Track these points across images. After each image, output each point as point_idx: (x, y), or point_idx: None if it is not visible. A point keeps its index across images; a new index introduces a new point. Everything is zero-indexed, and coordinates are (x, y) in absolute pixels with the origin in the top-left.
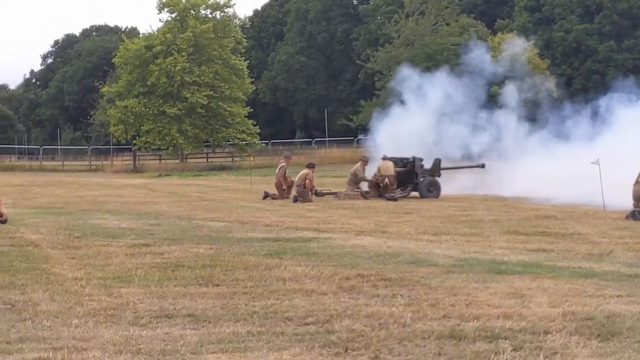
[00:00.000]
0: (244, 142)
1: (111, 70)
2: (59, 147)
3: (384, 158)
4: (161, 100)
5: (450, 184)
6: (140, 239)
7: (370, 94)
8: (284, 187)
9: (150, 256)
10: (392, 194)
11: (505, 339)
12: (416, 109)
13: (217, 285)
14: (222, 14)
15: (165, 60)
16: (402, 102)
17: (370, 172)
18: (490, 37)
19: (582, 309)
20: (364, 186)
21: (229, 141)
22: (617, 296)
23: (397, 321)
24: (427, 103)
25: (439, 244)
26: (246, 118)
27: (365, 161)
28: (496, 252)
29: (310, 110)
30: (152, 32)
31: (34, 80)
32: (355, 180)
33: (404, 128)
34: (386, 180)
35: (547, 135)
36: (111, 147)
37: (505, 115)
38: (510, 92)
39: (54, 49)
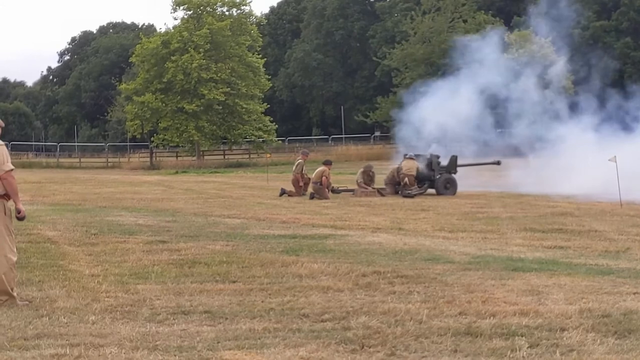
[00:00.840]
0: (261, 139)
1: (128, 67)
2: (76, 144)
3: (408, 157)
4: (179, 97)
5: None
6: (157, 235)
7: (386, 91)
8: (301, 183)
9: (167, 253)
10: (409, 191)
11: (522, 336)
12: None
13: (234, 282)
14: (239, 11)
15: (182, 58)
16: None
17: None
18: (507, 34)
19: (599, 306)
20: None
21: (245, 138)
22: (634, 293)
23: (413, 318)
24: (485, 78)
25: (456, 241)
26: (263, 115)
27: (368, 171)
28: (512, 249)
29: (326, 107)
30: (168, 29)
31: (51, 77)
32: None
33: (458, 104)
34: (406, 179)
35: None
36: (128, 144)
37: (558, 99)
38: (560, 70)
39: (70, 46)
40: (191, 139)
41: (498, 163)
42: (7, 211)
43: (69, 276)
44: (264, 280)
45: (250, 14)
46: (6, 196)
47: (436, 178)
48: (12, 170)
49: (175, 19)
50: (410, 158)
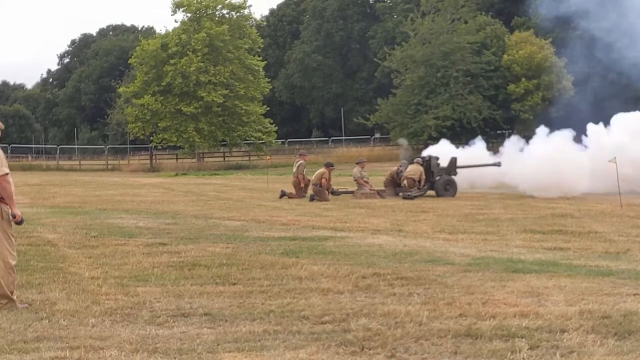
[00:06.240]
0: (261, 141)
1: (128, 70)
2: (76, 146)
3: (415, 161)
4: (177, 99)
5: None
6: (157, 238)
7: (386, 92)
8: (302, 184)
9: (167, 255)
10: (409, 193)
11: (522, 338)
12: None
13: (234, 284)
14: (238, 14)
15: (181, 61)
16: None
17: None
18: (507, 36)
19: (599, 308)
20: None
21: (245, 140)
22: (634, 294)
23: (413, 320)
24: None
25: (456, 242)
26: (262, 117)
27: (362, 164)
28: (512, 251)
29: (326, 109)
30: (167, 31)
31: (51, 79)
32: (360, 181)
33: None
34: (405, 182)
35: None
36: (128, 146)
37: None
38: None
39: (70, 48)
40: (191, 139)
41: (498, 165)
42: (4, 215)
43: (69, 279)
44: (264, 283)
45: (249, 16)
46: (4, 200)
47: (436, 180)
48: (7, 174)
49: (176, 21)
50: (417, 163)
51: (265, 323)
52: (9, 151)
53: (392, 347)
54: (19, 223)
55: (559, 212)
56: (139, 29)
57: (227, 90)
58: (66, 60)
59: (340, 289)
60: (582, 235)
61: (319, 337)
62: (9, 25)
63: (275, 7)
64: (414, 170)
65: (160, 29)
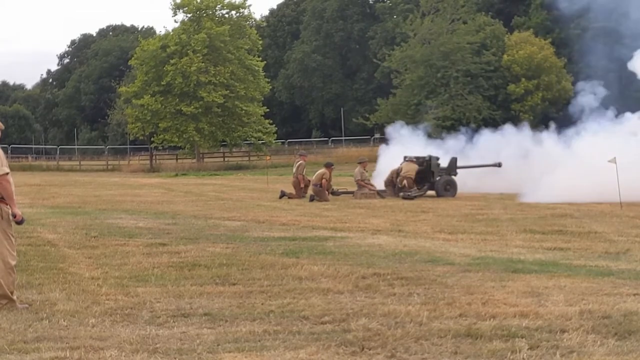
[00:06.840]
0: (261, 142)
1: (128, 70)
2: (76, 146)
3: (408, 159)
4: (177, 99)
5: None
6: (157, 238)
7: (386, 92)
8: (302, 185)
9: (167, 255)
10: (409, 193)
11: (522, 338)
12: None
13: (234, 285)
14: (238, 14)
15: (181, 61)
16: None
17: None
18: (507, 36)
19: (599, 308)
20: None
21: (245, 140)
22: (634, 294)
23: (413, 320)
24: None
25: (456, 242)
26: (262, 117)
27: (364, 163)
28: (512, 251)
29: (326, 109)
30: (168, 31)
31: (50, 80)
32: (360, 183)
33: None
34: (404, 182)
35: None
36: (128, 146)
37: None
38: None
39: (70, 48)
40: (191, 139)
41: (499, 165)
42: (4, 215)
43: (69, 279)
44: (264, 283)
45: (249, 17)
46: (4, 200)
47: (436, 180)
48: (7, 174)
49: (176, 21)
50: (411, 161)
51: (265, 323)
52: (9, 151)
53: (392, 347)
54: (19, 223)
55: (558, 212)
56: (139, 29)
57: (227, 91)
58: (66, 60)
59: (340, 289)
60: (582, 236)
61: (319, 337)
62: (9, 25)
63: (275, 7)
64: (410, 168)
65: (160, 29)
